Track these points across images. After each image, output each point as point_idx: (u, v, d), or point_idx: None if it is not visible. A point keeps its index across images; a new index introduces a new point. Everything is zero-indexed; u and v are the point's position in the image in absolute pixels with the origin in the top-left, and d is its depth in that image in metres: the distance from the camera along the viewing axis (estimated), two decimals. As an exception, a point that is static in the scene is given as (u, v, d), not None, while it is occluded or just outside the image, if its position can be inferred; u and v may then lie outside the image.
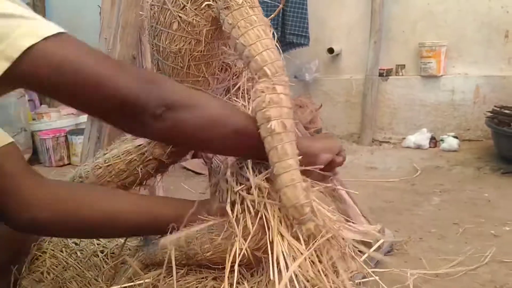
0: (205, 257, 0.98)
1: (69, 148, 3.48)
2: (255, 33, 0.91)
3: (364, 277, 1.29)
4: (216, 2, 0.96)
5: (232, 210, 0.93)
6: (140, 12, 1.19)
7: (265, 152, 0.86)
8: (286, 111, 0.86)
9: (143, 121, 0.78)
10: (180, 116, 0.80)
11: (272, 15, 1.15)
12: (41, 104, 4.17)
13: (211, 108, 0.85)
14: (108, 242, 1.24)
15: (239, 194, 0.93)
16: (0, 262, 1.06)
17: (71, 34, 0.75)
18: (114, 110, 0.78)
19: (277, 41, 0.99)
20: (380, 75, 3.44)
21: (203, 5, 0.99)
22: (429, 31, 3.32)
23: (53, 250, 1.23)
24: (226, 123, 0.86)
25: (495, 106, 2.88)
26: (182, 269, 1.06)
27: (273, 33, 1.00)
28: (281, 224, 0.90)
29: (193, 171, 2.94)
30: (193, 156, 1.57)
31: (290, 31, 3.30)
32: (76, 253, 1.23)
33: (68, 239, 1.24)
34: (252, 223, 0.89)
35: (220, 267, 0.99)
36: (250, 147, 0.89)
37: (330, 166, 1.01)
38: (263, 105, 0.85)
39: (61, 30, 0.73)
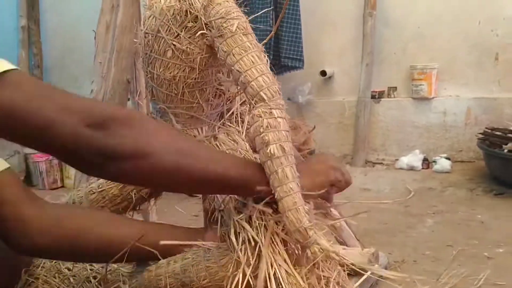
0: (201, 284, 0.98)
1: (62, 170, 3.47)
2: (250, 59, 0.92)
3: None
4: (210, 31, 0.98)
5: (236, 240, 0.93)
6: (135, 40, 1.20)
7: (243, 190, 0.88)
8: (284, 134, 0.87)
9: (89, 167, 0.78)
10: (123, 166, 0.76)
11: (265, 41, 1.17)
12: (34, 126, 4.17)
13: (164, 157, 0.78)
14: (101, 267, 1.23)
15: (239, 223, 0.93)
16: None
17: (18, 72, 0.75)
18: (62, 154, 0.79)
19: (270, 65, 1.00)
20: (373, 97, 3.47)
21: (197, 34, 1.00)
22: (420, 54, 3.36)
23: (45, 276, 1.22)
24: (182, 172, 0.81)
25: (486, 128, 2.91)
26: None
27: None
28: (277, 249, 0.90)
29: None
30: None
31: (285, 54, 3.33)
32: (69, 279, 1.22)
33: (61, 264, 1.23)
34: (252, 253, 0.89)
35: None
36: (222, 189, 0.90)
37: (327, 193, 0.99)
38: (261, 130, 0.86)
39: (10, 67, 0.73)
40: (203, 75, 1.07)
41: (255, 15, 1.06)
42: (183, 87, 1.07)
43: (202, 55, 1.03)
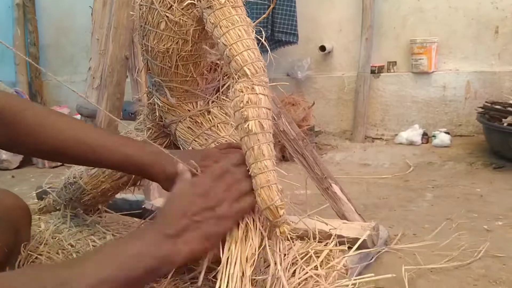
0: None
1: (61, 149, 3.45)
2: (237, 33, 0.90)
3: (360, 273, 1.30)
4: (199, 1, 0.97)
5: None
6: (131, 12, 1.19)
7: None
8: (265, 112, 0.85)
9: None
10: None
11: (264, 15, 1.15)
12: (32, 104, 4.14)
13: None
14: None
15: None
16: None
17: None
18: None
19: (265, 40, 0.99)
20: (372, 72, 3.46)
21: (186, 3, 0.99)
22: (419, 28, 3.34)
23: (49, 253, 1.23)
24: None
25: (486, 102, 2.90)
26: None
27: (261, 32, 1.00)
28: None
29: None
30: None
31: (279, 29, 3.30)
32: (72, 255, 1.23)
33: (64, 241, 1.24)
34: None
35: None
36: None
37: None
38: (241, 105, 0.84)
39: None
40: (197, 48, 1.06)
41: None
42: (176, 60, 1.07)
43: (195, 27, 1.02)
